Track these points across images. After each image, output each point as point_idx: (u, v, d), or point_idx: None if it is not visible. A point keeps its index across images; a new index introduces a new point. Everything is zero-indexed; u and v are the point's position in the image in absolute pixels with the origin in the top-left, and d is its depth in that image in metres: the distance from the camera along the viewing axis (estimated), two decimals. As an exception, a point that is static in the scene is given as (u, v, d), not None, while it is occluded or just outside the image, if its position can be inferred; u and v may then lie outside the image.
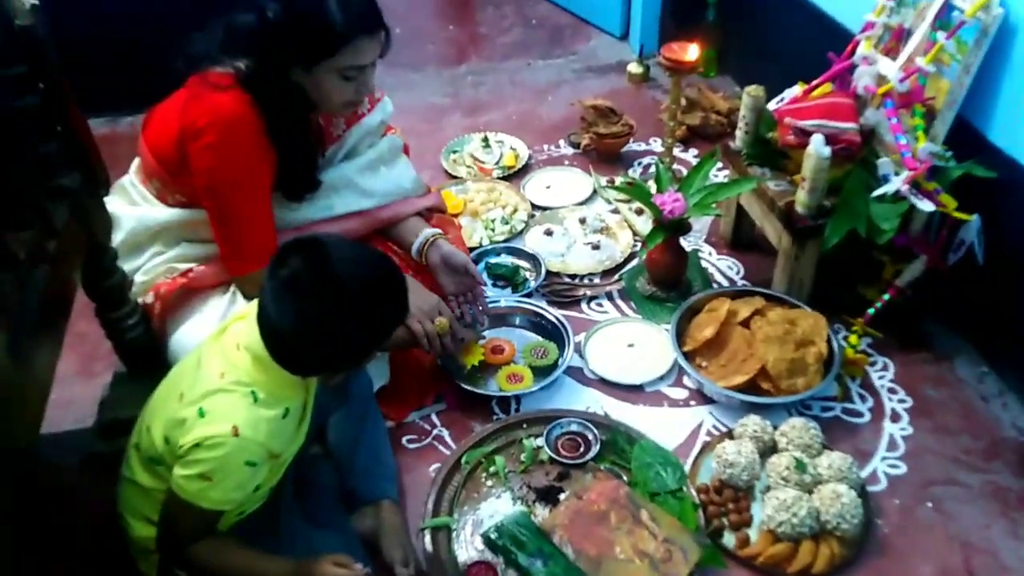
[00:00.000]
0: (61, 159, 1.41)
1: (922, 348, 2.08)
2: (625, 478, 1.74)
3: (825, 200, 1.95)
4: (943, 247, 1.94)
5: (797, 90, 2.18)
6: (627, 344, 2.09)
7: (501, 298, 2.18)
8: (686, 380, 2.00)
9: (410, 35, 3.58)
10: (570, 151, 2.86)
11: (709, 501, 1.70)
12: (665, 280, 2.20)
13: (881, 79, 1.98)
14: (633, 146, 2.84)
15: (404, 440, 1.86)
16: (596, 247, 2.38)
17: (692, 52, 2.40)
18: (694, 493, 1.70)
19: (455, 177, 2.72)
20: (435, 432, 1.89)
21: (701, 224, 2.49)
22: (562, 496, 1.72)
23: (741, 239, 2.40)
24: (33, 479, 1.23)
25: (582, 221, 2.47)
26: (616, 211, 2.55)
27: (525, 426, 1.86)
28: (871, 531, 1.67)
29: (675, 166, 2.66)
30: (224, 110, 1.55)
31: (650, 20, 3.34)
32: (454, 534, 1.66)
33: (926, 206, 1.83)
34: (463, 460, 1.78)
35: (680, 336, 2.02)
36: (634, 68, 3.27)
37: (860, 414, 1.92)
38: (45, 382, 1.30)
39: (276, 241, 1.64)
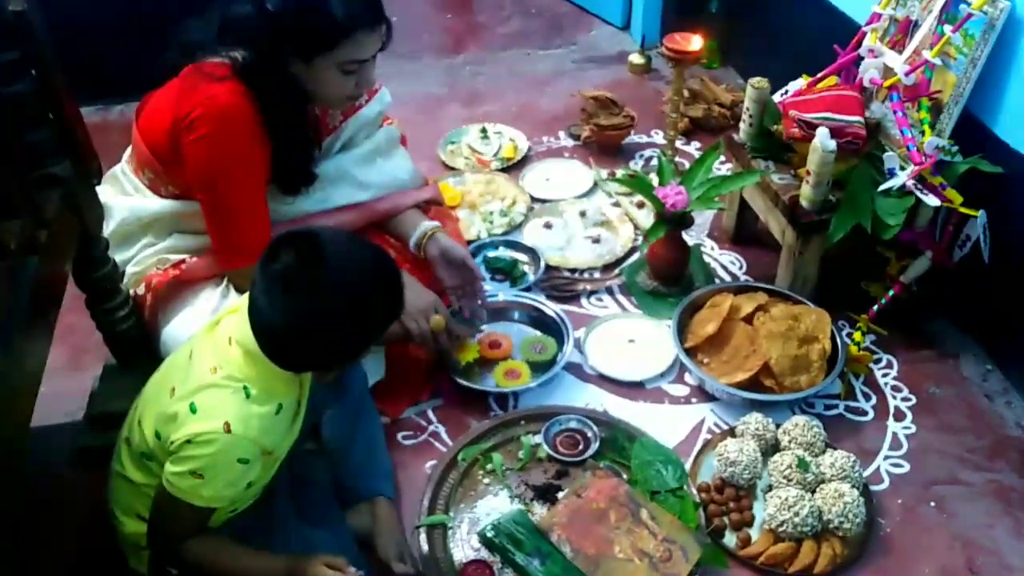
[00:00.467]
0: (52, 147, 1.40)
1: (926, 345, 2.07)
2: (625, 476, 1.72)
3: (830, 194, 1.93)
4: (949, 243, 1.92)
5: (802, 82, 2.15)
6: (628, 340, 2.07)
7: (499, 292, 2.16)
8: (687, 377, 1.98)
9: (407, 24, 3.53)
10: (570, 143, 2.84)
11: (710, 500, 1.68)
12: (667, 275, 2.17)
13: (887, 72, 1.96)
14: (634, 138, 2.81)
15: (400, 436, 1.84)
16: (596, 241, 2.35)
17: (695, 43, 2.37)
18: (695, 492, 1.68)
19: (453, 169, 2.69)
20: (431, 428, 1.87)
21: (703, 218, 2.46)
22: (560, 494, 1.69)
23: (744, 233, 2.37)
24: (22, 472, 1.21)
25: (582, 214, 2.44)
26: (617, 204, 2.52)
27: (523, 423, 1.84)
28: (874, 530, 1.65)
29: (677, 159, 2.63)
30: (218, 101, 1.52)
31: (652, 10, 3.31)
32: (450, 532, 1.64)
33: (932, 201, 1.81)
34: (460, 457, 1.76)
35: (681, 332, 2.00)
36: (636, 59, 3.24)
37: (864, 412, 1.91)
38: (35, 374, 1.29)
39: (270, 235, 1.61)
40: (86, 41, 2.48)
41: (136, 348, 1.69)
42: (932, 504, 1.72)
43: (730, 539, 1.63)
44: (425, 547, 1.59)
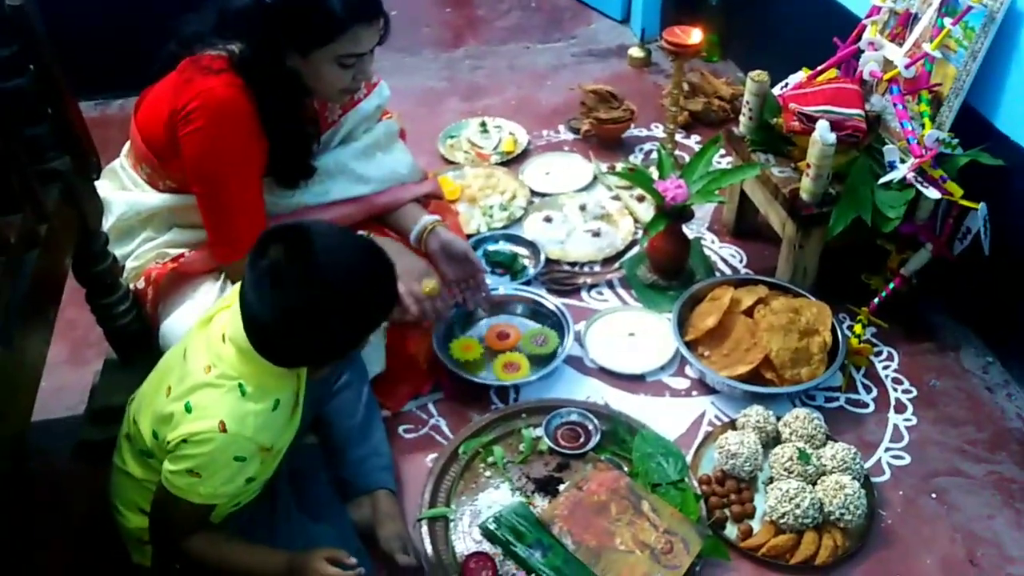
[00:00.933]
0: (51, 142, 1.40)
1: (927, 338, 2.07)
2: (626, 469, 1.72)
3: (830, 187, 1.93)
4: (949, 236, 1.92)
5: (802, 76, 2.15)
6: (628, 333, 2.07)
7: (499, 286, 2.15)
8: (688, 370, 1.98)
9: (406, 18, 3.53)
10: (570, 136, 2.83)
11: (711, 492, 1.68)
12: (667, 268, 2.17)
13: (887, 65, 1.95)
14: (634, 132, 2.81)
15: (401, 429, 1.84)
16: (596, 234, 2.35)
17: (695, 36, 2.37)
18: (696, 484, 1.68)
19: (452, 163, 2.69)
20: (432, 421, 1.87)
21: (703, 211, 2.46)
22: (562, 487, 1.69)
23: (744, 227, 2.37)
24: (24, 466, 1.21)
25: (582, 208, 2.44)
26: (617, 198, 2.52)
27: (524, 416, 1.84)
28: (874, 522, 1.65)
29: (677, 152, 2.63)
30: (215, 95, 1.51)
31: (652, 3, 3.30)
32: (452, 525, 1.64)
33: (932, 194, 1.81)
34: (461, 450, 1.76)
35: (682, 325, 2.00)
36: (635, 52, 3.24)
37: (864, 404, 1.91)
38: (36, 369, 1.29)
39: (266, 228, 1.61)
40: (85, 36, 2.48)
41: (137, 342, 1.69)
42: (933, 496, 1.72)
43: (731, 531, 1.63)
44: (427, 540, 1.59)
